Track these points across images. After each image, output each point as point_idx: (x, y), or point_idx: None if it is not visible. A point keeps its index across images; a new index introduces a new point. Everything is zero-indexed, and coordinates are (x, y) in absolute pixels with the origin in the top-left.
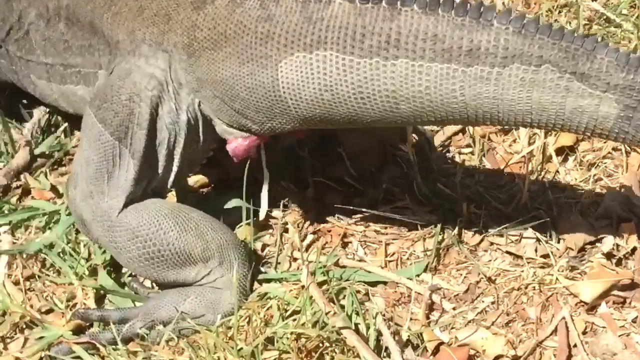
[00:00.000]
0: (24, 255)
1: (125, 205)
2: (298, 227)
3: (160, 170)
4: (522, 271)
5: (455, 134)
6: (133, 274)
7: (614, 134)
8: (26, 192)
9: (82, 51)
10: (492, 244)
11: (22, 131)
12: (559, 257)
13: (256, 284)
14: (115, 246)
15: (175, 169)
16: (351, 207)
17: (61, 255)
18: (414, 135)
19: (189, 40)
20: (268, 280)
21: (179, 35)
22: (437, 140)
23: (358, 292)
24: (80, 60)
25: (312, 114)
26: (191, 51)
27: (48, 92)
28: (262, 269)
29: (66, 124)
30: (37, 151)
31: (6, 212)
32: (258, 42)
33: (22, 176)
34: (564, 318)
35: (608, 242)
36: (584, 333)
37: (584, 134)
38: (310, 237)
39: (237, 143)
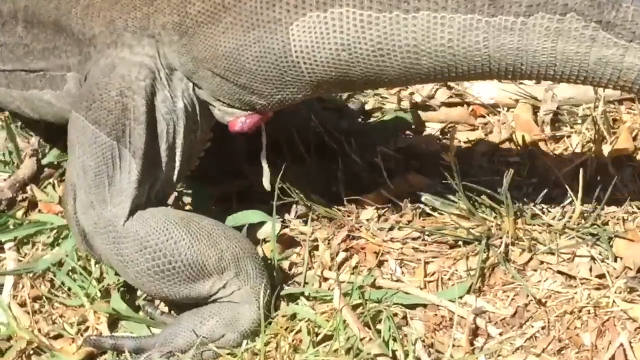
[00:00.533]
0: (31, 275)
1: (131, 213)
2: (328, 243)
3: (163, 167)
4: (576, 293)
5: (502, 142)
6: (147, 297)
7: (637, 85)
8: (33, 205)
9: (45, 54)
10: (542, 262)
11: (28, 139)
12: (616, 277)
13: (282, 305)
14: (121, 259)
15: (177, 164)
16: (387, 222)
17: (71, 274)
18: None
19: (179, 18)
20: (294, 298)
21: (167, 14)
22: (481, 148)
23: (395, 315)
24: (44, 64)
25: (328, 78)
26: (183, 29)
27: (8, 99)
28: (290, 289)
29: None
30: (44, 161)
31: (11, 227)
32: (264, 6)
33: (28, 188)
34: (621, 345)
35: None
36: None
37: (605, 86)
38: (342, 255)
39: (241, 122)
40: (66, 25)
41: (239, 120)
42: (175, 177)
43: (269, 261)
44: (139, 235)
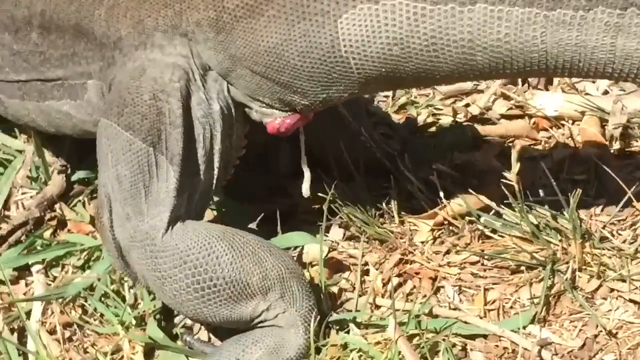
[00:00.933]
0: (61, 300)
1: (170, 225)
2: (380, 268)
3: (201, 176)
4: None
5: (567, 158)
6: (186, 325)
7: None
8: (62, 224)
9: (63, 62)
10: (612, 290)
11: (57, 154)
12: None
13: (332, 333)
14: (159, 276)
15: (216, 172)
16: (443, 245)
17: (103, 299)
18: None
19: (216, 13)
20: (345, 327)
21: (202, 10)
22: (545, 165)
23: (454, 346)
24: (62, 72)
25: (377, 74)
26: (220, 26)
27: (22, 112)
28: (340, 316)
29: None
30: (73, 177)
31: (39, 248)
32: None
33: (57, 206)
34: None
35: None
36: None
37: None
38: (395, 280)
39: (279, 121)
40: (88, 28)
41: (277, 121)
42: (213, 186)
43: (316, 287)
44: (179, 249)
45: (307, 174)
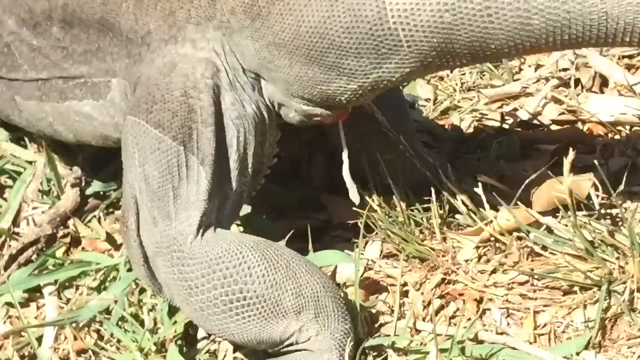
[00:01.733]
0: (75, 325)
1: (199, 230)
2: (420, 289)
3: (233, 183)
4: None
5: (625, 168)
6: (209, 352)
7: None
8: (76, 242)
9: (87, 57)
10: None
11: (70, 166)
12: None
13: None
14: (186, 285)
15: (248, 179)
16: (489, 264)
17: (120, 324)
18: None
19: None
20: (383, 353)
21: None
22: (600, 176)
23: None
24: (86, 68)
25: (429, 46)
26: (256, 11)
27: (39, 115)
28: (377, 340)
29: None
30: (88, 191)
31: (51, 267)
32: None
33: (70, 222)
34: None
35: None
36: None
37: None
38: (436, 302)
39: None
40: (114, 22)
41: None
42: (244, 197)
43: (351, 309)
44: (208, 257)
45: (348, 179)
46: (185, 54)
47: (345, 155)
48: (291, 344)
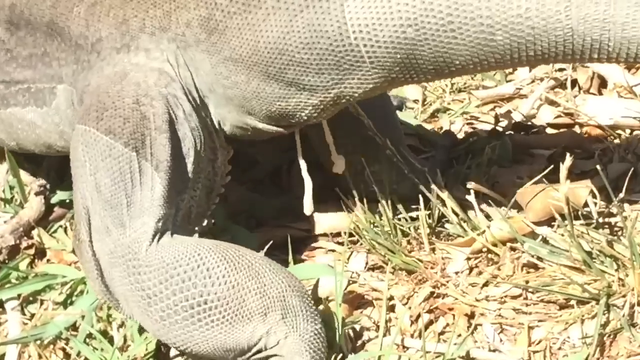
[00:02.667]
0: (39, 342)
1: (155, 237)
2: (408, 303)
3: (186, 193)
4: None
5: (624, 174)
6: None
7: None
8: (40, 253)
9: (32, 62)
10: None
11: (34, 173)
12: None
13: None
14: (144, 294)
15: (198, 192)
16: (480, 277)
17: (88, 341)
18: None
19: (207, 11)
20: None
21: (193, 9)
22: (598, 182)
23: None
24: (30, 73)
25: (392, 61)
26: (213, 25)
27: None
28: (361, 357)
29: None
30: (53, 199)
31: (14, 281)
32: None
33: (34, 232)
34: None
35: None
36: None
37: None
38: (425, 318)
39: None
40: (63, 27)
41: None
42: (194, 212)
43: (334, 325)
44: (165, 262)
45: (308, 184)
46: (137, 63)
47: (299, 149)
48: (260, 350)
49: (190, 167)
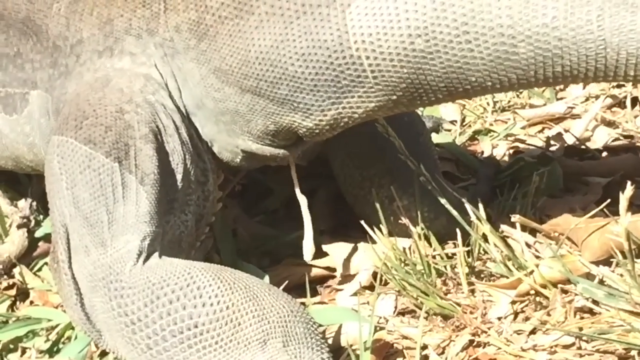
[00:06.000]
0: None
1: (140, 256)
2: (444, 353)
3: (174, 215)
4: None
5: None
6: None
7: None
8: (22, 294)
9: (3, 63)
10: None
11: (16, 204)
12: None
13: None
14: (128, 320)
15: (189, 217)
16: (527, 323)
17: None
18: None
19: (197, 15)
20: None
21: (182, 11)
22: None
23: None
24: (1, 75)
25: (397, 77)
26: (203, 30)
27: None
28: None
29: None
30: (38, 233)
31: None
32: None
33: (16, 270)
34: None
35: None
36: None
37: None
38: None
39: None
40: (41, 25)
41: None
42: (184, 240)
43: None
44: (150, 282)
45: (307, 224)
46: (121, 68)
47: (295, 180)
48: None
49: (179, 184)
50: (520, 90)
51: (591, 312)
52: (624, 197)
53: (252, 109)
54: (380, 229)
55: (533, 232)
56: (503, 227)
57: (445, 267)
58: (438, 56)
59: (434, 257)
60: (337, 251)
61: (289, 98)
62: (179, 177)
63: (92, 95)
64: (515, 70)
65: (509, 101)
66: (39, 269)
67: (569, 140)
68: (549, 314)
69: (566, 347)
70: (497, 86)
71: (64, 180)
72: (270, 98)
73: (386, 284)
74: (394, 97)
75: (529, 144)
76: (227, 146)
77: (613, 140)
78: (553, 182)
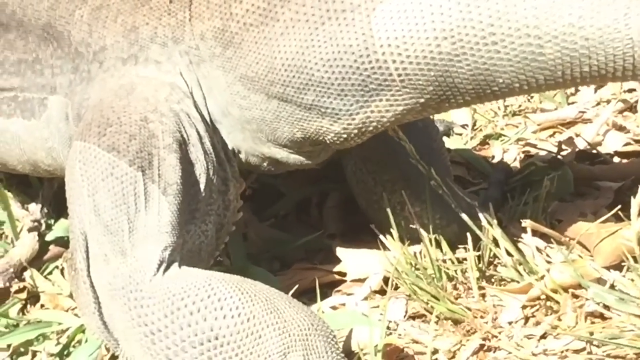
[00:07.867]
0: None
1: (160, 266)
2: (455, 357)
3: (196, 225)
4: None
5: None
6: None
7: None
8: (33, 298)
9: (21, 68)
10: None
11: (27, 207)
12: None
13: None
14: (147, 330)
15: (210, 227)
16: (538, 327)
17: None
18: None
19: (222, 22)
20: None
21: (207, 19)
22: None
23: None
24: (18, 80)
25: (425, 80)
26: (228, 37)
27: None
28: None
29: None
30: (49, 236)
31: (3, 329)
32: None
33: (26, 274)
34: None
35: None
36: None
37: None
38: None
39: None
40: (62, 31)
41: None
42: (204, 250)
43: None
44: (171, 293)
45: None
46: (147, 76)
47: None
48: None
49: (201, 194)
50: (532, 95)
51: (602, 316)
52: (635, 202)
53: (278, 116)
54: (391, 234)
55: (544, 236)
56: (514, 231)
57: (455, 271)
58: (465, 58)
59: (444, 261)
60: (347, 255)
61: (316, 104)
62: (201, 187)
63: (117, 103)
64: (542, 71)
65: (520, 105)
66: (50, 273)
67: (580, 144)
68: (559, 319)
69: (577, 351)
70: (525, 87)
71: (85, 187)
72: (297, 104)
73: (397, 288)
74: (422, 99)
75: (540, 149)
76: (254, 152)
77: (624, 145)
78: (564, 187)
